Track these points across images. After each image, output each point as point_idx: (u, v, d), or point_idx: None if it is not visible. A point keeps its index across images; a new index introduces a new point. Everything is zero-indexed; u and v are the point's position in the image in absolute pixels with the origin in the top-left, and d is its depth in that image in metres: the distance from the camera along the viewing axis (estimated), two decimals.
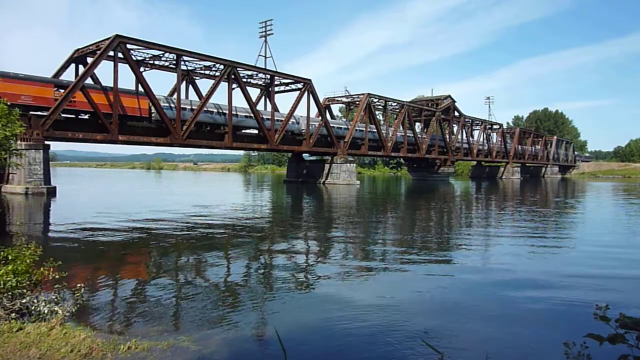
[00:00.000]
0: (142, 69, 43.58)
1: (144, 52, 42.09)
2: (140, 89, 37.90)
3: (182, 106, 40.61)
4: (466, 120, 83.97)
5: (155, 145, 43.99)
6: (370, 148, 62.42)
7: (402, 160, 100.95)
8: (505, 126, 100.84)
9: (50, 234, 16.03)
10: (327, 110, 61.92)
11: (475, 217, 23.99)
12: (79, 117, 36.11)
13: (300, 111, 52.58)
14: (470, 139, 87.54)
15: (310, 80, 51.50)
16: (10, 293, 5.78)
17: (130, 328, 6.31)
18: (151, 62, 45.23)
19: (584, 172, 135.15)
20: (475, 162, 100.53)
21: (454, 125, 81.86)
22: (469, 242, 15.24)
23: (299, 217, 23.11)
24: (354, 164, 57.58)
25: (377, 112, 66.17)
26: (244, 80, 48.06)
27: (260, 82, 54.09)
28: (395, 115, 72.28)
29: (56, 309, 5.96)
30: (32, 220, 20.08)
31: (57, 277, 6.19)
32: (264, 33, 54.27)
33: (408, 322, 6.88)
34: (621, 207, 32.24)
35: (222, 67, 43.66)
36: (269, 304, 7.77)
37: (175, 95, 42.12)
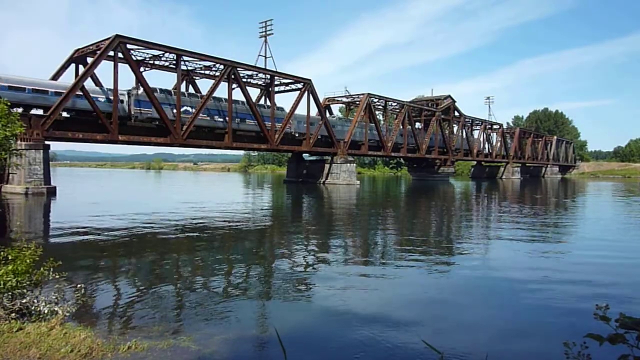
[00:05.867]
0: (142, 69, 43.55)
1: (144, 52, 42.07)
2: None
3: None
4: (466, 120, 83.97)
5: (155, 145, 44.00)
6: (370, 148, 62.42)
7: (402, 160, 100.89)
8: (505, 126, 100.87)
9: (50, 234, 16.03)
10: (327, 110, 61.92)
11: (475, 217, 23.99)
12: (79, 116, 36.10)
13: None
14: (471, 139, 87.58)
15: (310, 80, 51.50)
16: (10, 293, 5.78)
17: (130, 328, 6.30)
18: (151, 62, 45.20)
19: (584, 172, 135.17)
20: (475, 162, 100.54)
21: (454, 125, 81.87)
22: (469, 242, 15.25)
23: (299, 218, 23.12)
24: (354, 164, 57.55)
25: (377, 112, 66.17)
26: (244, 80, 48.04)
27: (260, 82, 54.06)
28: (395, 115, 72.28)
29: (56, 309, 5.95)
30: (32, 220, 20.08)
31: (57, 277, 6.19)
32: (264, 33, 54.27)
33: (408, 321, 6.89)
34: (621, 206, 32.23)
35: (222, 67, 43.64)
36: (269, 304, 7.77)
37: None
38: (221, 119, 44.41)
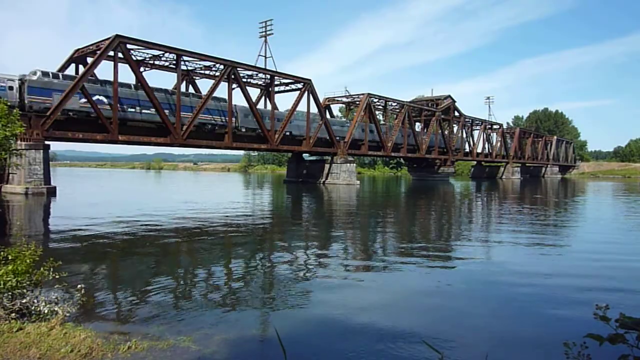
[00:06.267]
0: (142, 69, 43.53)
1: (144, 52, 42.06)
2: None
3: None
4: (466, 120, 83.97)
5: (155, 145, 43.96)
6: (370, 148, 62.41)
7: (402, 160, 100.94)
8: (505, 126, 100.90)
9: (50, 234, 16.02)
10: (327, 110, 61.92)
11: (475, 218, 23.99)
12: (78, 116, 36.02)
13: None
14: (470, 139, 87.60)
15: (310, 80, 51.48)
16: (10, 293, 5.78)
17: (130, 328, 6.30)
18: (151, 62, 45.18)
19: (584, 172, 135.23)
20: (475, 162, 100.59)
21: (454, 125, 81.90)
22: (469, 243, 15.24)
23: (300, 217, 23.11)
24: (354, 164, 57.54)
25: (377, 112, 66.18)
26: (244, 80, 48.04)
27: (260, 82, 54.07)
28: (395, 115, 72.29)
29: (56, 309, 5.96)
30: (32, 220, 20.07)
31: (57, 277, 6.19)
32: (264, 33, 54.30)
33: (408, 321, 6.88)
34: (621, 206, 32.22)
35: (222, 67, 43.63)
36: (269, 304, 7.77)
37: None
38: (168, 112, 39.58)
